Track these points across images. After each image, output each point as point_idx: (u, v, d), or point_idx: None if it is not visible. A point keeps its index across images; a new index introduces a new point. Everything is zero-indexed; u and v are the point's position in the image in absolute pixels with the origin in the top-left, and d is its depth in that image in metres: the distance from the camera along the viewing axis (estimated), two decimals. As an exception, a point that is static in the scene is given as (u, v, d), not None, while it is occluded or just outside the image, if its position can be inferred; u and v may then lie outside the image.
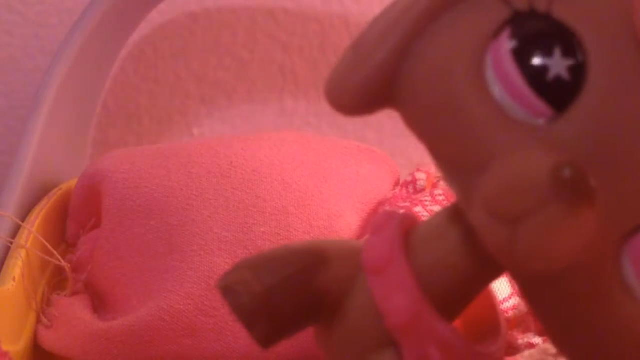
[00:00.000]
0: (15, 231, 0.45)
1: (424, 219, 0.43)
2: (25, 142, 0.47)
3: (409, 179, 0.46)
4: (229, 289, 0.29)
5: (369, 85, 0.27)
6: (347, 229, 0.44)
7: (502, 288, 0.40)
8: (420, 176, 0.46)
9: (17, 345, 0.41)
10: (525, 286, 0.27)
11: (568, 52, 0.25)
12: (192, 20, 0.59)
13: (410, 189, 0.46)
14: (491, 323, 0.30)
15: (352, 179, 0.45)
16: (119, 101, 0.60)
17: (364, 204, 0.45)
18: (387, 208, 0.44)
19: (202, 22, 0.59)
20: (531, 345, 0.40)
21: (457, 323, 0.30)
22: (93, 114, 0.55)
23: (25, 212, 0.46)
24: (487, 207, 0.24)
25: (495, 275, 0.29)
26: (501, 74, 0.25)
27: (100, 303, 0.43)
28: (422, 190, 0.45)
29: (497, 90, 0.25)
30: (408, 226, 0.29)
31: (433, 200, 0.44)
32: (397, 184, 0.47)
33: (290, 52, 0.60)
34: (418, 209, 0.43)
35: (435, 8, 0.26)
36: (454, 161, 0.26)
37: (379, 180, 0.46)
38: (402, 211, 0.42)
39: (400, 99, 0.27)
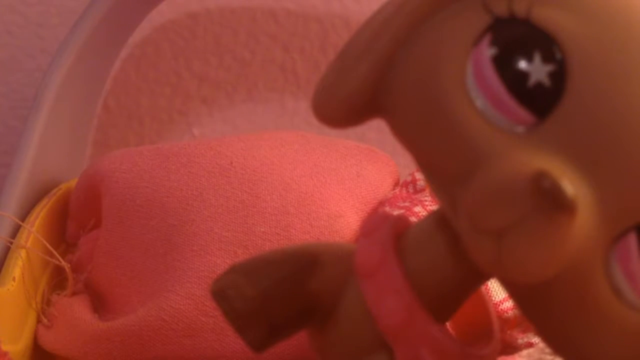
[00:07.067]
0: (15, 231, 0.45)
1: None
2: (25, 142, 0.47)
3: (409, 179, 0.46)
4: (221, 293, 0.29)
5: (354, 96, 0.27)
6: (347, 229, 0.43)
7: (501, 288, 0.40)
8: (420, 176, 0.46)
9: (17, 345, 0.41)
10: (515, 292, 0.27)
11: (548, 57, 0.25)
12: (193, 20, 0.59)
13: (410, 189, 0.46)
14: (484, 325, 0.30)
15: (352, 179, 0.45)
16: (120, 101, 0.60)
17: (364, 204, 0.45)
18: (387, 208, 0.44)
19: (203, 22, 0.59)
20: (530, 345, 0.40)
21: (450, 325, 0.30)
22: (93, 114, 0.55)
23: (25, 212, 0.46)
24: (470, 221, 0.24)
25: (486, 278, 0.29)
26: (482, 82, 0.25)
27: (100, 303, 0.43)
28: (422, 190, 0.45)
29: (478, 98, 0.25)
30: (400, 228, 0.29)
31: (433, 200, 0.44)
32: (397, 183, 0.47)
33: (291, 52, 0.60)
34: (418, 209, 0.43)
35: (418, 17, 0.26)
36: (439, 171, 0.26)
37: (379, 180, 0.46)
38: (395, 212, 0.42)
39: (386, 108, 0.27)
